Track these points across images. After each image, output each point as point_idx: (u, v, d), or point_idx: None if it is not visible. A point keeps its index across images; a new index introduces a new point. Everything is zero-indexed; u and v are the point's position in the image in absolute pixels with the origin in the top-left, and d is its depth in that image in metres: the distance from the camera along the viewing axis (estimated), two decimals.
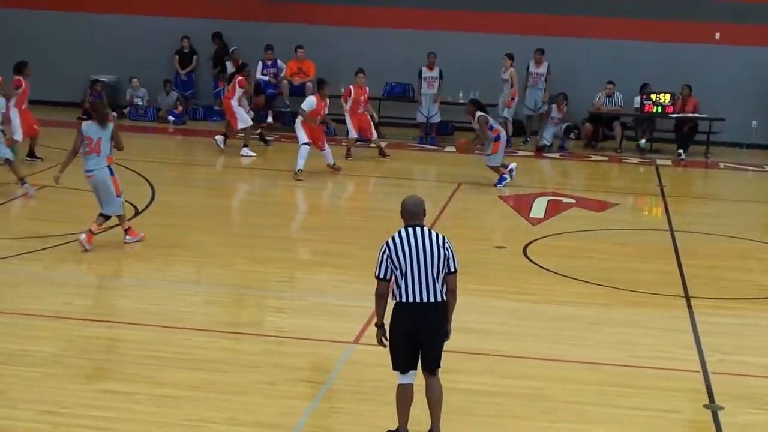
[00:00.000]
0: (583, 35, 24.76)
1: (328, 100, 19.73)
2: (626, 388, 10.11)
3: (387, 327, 8.56)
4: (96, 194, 14.19)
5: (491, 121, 19.27)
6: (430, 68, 23.58)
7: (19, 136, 18.38)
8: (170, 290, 12.74)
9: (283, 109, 24.71)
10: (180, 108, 25.19)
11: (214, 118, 25.22)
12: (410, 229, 8.47)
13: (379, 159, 21.54)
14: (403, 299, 8.37)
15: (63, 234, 14.66)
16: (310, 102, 19.41)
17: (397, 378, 8.53)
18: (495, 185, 19.08)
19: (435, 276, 8.39)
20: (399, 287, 8.38)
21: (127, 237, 14.33)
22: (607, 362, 10.74)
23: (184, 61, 25.65)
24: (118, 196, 14.16)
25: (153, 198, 17.16)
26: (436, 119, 23.86)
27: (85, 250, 13.79)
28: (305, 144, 19.16)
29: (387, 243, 8.43)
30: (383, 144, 22.10)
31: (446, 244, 8.49)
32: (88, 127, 14.05)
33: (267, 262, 14.07)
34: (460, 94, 24.21)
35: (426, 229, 8.51)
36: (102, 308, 12.06)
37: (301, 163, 19.06)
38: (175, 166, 20.44)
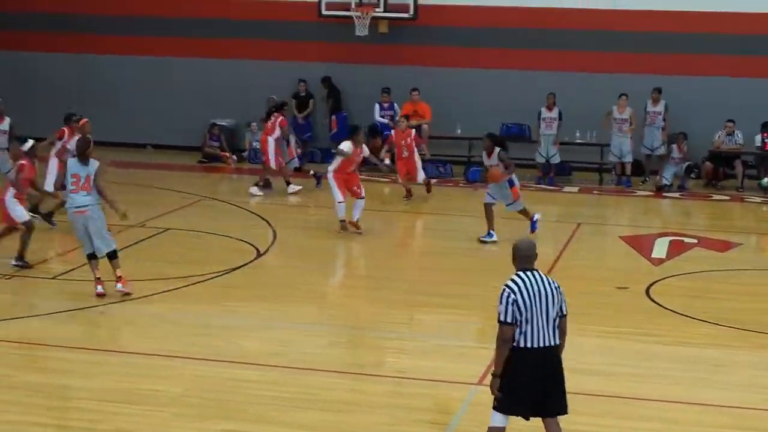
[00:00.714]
0: (700, 73, 24.45)
1: (364, 147, 18.71)
2: None
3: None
4: (82, 232, 13.74)
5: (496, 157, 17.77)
6: (549, 108, 23.50)
7: (50, 187, 18.10)
8: (293, 331, 12.88)
9: None
10: (298, 151, 25.43)
11: (332, 161, 25.42)
12: (528, 273, 8.42)
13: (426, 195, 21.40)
14: (528, 345, 8.30)
15: (185, 276, 14.92)
16: (347, 146, 18.27)
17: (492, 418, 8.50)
18: (532, 231, 17.65)
19: (554, 320, 8.37)
20: (522, 333, 8.29)
21: (119, 285, 13.79)
22: (737, 405, 10.54)
23: (301, 105, 25.95)
24: (109, 232, 13.95)
25: (274, 239, 17.36)
26: (556, 160, 23.74)
27: (129, 293, 13.77)
28: (340, 202, 18.03)
29: (510, 287, 8.34)
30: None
31: (559, 288, 8.48)
32: (73, 165, 13.82)
33: (387, 303, 14.13)
34: (577, 134, 24.09)
35: (541, 273, 8.49)
36: (226, 349, 12.21)
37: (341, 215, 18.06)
38: (295, 207, 20.66)
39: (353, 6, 24.63)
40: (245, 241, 16.90)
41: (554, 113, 23.51)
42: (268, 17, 25.80)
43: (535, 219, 17.93)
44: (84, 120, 17.91)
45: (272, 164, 21.41)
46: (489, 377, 10.70)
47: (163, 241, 17.31)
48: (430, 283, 15.24)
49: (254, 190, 21.32)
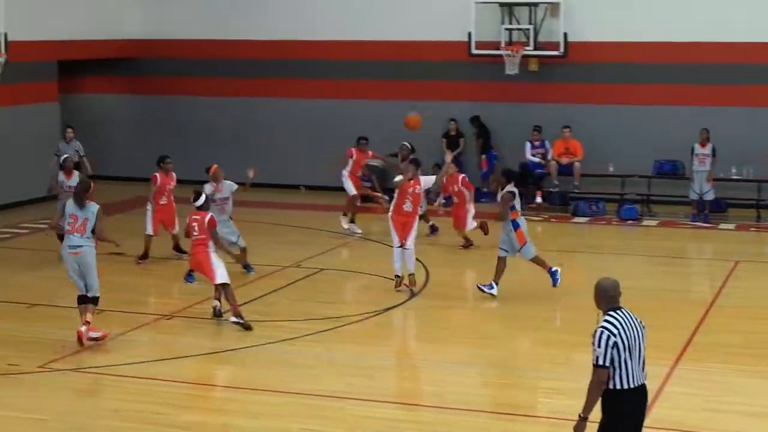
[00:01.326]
0: None
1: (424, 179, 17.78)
2: None
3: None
4: (73, 272, 13.78)
5: (516, 201, 16.36)
6: (702, 145, 23.09)
7: (149, 230, 18.65)
8: (447, 371, 12.89)
9: (551, 189, 24.70)
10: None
11: (483, 200, 25.44)
12: (620, 312, 8.22)
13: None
14: (626, 385, 8.10)
15: (340, 315, 15.08)
16: (428, 180, 17.25)
17: None
18: (554, 285, 16.40)
19: (642, 358, 8.23)
20: (619, 374, 8.08)
21: (83, 328, 13.63)
22: None
23: (452, 144, 26.04)
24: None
25: (427, 279, 17.42)
26: (710, 196, 23.29)
27: (96, 339, 13.70)
28: (398, 247, 16.76)
29: (608, 330, 8.09)
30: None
31: (644, 325, 8.33)
32: (70, 206, 13.78)
33: (544, 342, 14.05)
34: (733, 170, 23.62)
35: (629, 311, 8.30)
36: (383, 389, 12.29)
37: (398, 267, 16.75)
38: (447, 247, 20.68)
39: (503, 45, 24.66)
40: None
41: (707, 149, 23.07)
42: (418, 58, 26.01)
43: (553, 270, 16.49)
44: (215, 167, 18.16)
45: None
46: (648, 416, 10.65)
47: (318, 281, 17.52)
48: (589, 322, 15.05)
49: (347, 222, 21.32)
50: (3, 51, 17.56)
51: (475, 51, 24.83)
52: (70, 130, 21.98)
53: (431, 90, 26.10)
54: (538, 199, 24.47)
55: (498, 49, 24.65)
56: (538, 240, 21.29)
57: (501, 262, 16.31)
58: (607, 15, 24.78)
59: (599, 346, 8.04)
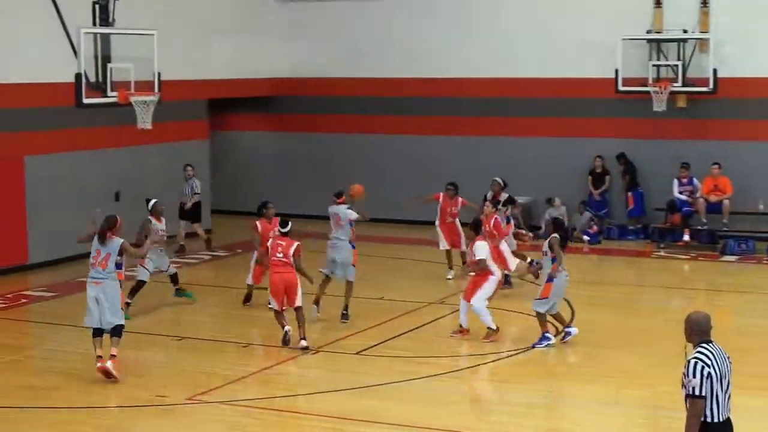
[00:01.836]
0: None
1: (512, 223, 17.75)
2: None
3: None
4: (94, 304, 13.99)
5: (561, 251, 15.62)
6: None
7: (249, 279, 18.51)
8: (589, 409, 12.80)
9: (699, 227, 24.28)
10: (594, 228, 25.35)
11: (629, 237, 25.19)
12: (711, 345, 8.27)
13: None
14: (716, 419, 8.11)
15: (484, 353, 15.08)
16: (480, 247, 16.17)
17: None
18: (533, 345, 15.46)
19: (729, 391, 8.26)
20: (710, 407, 8.10)
21: (109, 363, 13.81)
22: None
23: (597, 181, 25.85)
24: (121, 309, 14.17)
25: (573, 316, 17.28)
26: None
27: (114, 377, 13.77)
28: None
29: (702, 361, 8.13)
30: None
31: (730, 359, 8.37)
32: (95, 242, 14.03)
33: None
34: None
35: (718, 345, 8.35)
36: (526, 426, 12.22)
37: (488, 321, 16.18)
38: (591, 285, 20.50)
39: (651, 81, 24.39)
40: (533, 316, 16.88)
41: None
42: (564, 95, 25.93)
43: (569, 331, 15.71)
44: (357, 187, 18.29)
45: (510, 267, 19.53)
46: None
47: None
48: (743, 363, 14.76)
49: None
50: (156, 90, 18.05)
51: (621, 88, 24.61)
52: (189, 168, 22.39)
53: (577, 126, 25.97)
54: (686, 237, 24.07)
55: (645, 85, 24.39)
56: (685, 279, 21.04)
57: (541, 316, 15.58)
58: (758, 50, 24.34)
59: (695, 377, 8.10)
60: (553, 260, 15.40)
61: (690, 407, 8.13)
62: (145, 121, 18.26)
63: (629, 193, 25.60)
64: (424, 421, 12.26)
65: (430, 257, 22.73)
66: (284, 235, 15.74)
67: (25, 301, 18.62)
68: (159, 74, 18.06)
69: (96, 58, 17.66)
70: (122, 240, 14.07)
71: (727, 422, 8.23)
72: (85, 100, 17.16)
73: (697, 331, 8.33)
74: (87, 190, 22.50)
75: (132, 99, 17.75)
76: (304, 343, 15.27)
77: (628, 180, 25.63)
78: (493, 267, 16.22)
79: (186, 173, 22.52)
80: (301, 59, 28.40)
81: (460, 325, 16.20)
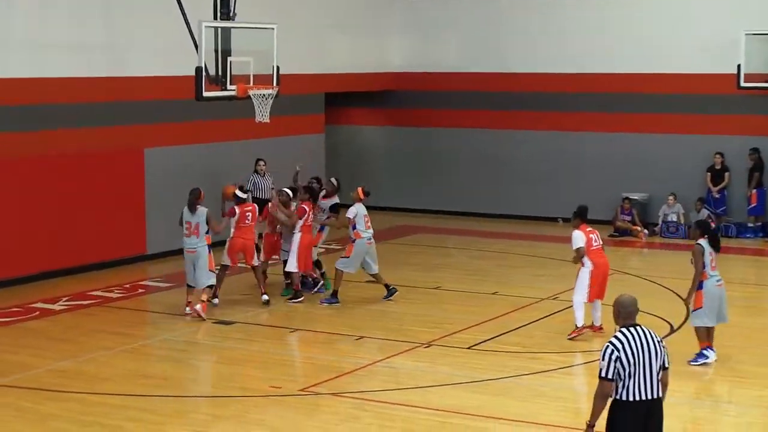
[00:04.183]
0: None
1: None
2: None
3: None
4: (191, 267, 16.80)
5: (707, 259, 14.24)
6: None
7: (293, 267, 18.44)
8: (709, 408, 12.61)
9: None
10: (712, 225, 24.89)
11: (747, 235, 24.72)
12: (632, 329, 8.54)
13: None
14: (630, 398, 8.45)
15: (598, 349, 14.89)
16: (576, 236, 16.09)
17: None
18: (689, 362, 14.30)
19: (657, 373, 8.48)
20: (625, 387, 8.43)
21: (198, 306, 16.64)
22: None
23: (716, 178, 25.41)
24: (211, 270, 16.83)
25: (688, 315, 17.01)
26: None
27: (202, 318, 16.51)
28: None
29: (613, 344, 8.48)
30: None
31: (662, 342, 8.59)
32: (186, 213, 16.88)
33: None
34: None
35: (645, 327, 8.58)
36: None
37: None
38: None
39: None
40: (658, 316, 16.67)
41: None
42: (684, 91, 25.51)
43: (706, 351, 14.42)
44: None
45: None
46: None
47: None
48: None
49: None
50: (275, 84, 18.21)
51: (743, 84, 24.10)
52: (262, 162, 22.17)
53: (696, 123, 25.56)
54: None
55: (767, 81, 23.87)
56: None
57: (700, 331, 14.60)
58: None
59: (602, 359, 8.51)
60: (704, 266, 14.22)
61: (597, 387, 8.53)
62: (263, 114, 18.42)
63: (753, 191, 25.07)
64: (533, 417, 12.20)
65: (546, 253, 22.63)
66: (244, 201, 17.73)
67: (142, 290, 18.97)
68: (278, 68, 18.21)
69: (216, 51, 17.86)
70: (206, 209, 16.86)
71: (650, 403, 8.49)
72: (205, 93, 17.35)
73: (621, 313, 8.66)
74: (204, 182, 22.81)
75: (251, 92, 17.91)
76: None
77: (757, 177, 25.04)
78: (586, 258, 15.93)
79: (259, 168, 22.23)
80: (417, 54, 28.44)
81: (592, 323, 16.04)
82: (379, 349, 15.31)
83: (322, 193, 19.13)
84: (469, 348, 15.26)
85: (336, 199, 19.11)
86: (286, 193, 18.33)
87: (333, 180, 19.56)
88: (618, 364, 8.44)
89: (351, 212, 17.85)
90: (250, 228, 17.85)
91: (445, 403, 12.76)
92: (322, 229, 19.08)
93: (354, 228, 17.84)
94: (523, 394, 13.19)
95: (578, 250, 15.84)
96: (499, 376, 13.82)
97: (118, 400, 12.82)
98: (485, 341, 15.55)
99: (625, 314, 8.66)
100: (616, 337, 8.55)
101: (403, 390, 13.35)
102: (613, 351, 8.47)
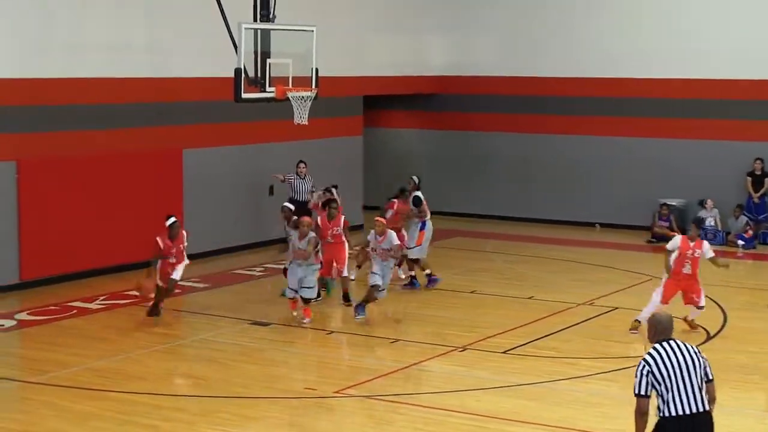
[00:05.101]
0: None
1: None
2: None
3: None
4: (297, 278, 16.73)
5: None
6: None
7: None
8: (746, 418, 12.44)
9: None
10: (750, 232, 24.70)
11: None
12: (665, 344, 8.41)
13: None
14: (673, 413, 8.29)
15: (636, 355, 14.80)
16: (674, 243, 16.22)
17: None
18: None
19: (699, 385, 8.28)
20: (666, 402, 8.28)
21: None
22: None
23: (757, 184, 25.18)
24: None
25: (725, 322, 16.89)
26: None
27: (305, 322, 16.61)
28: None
29: (646, 360, 8.37)
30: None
31: (701, 353, 8.41)
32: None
33: None
34: None
35: (679, 341, 8.43)
36: None
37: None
38: (746, 290, 20.00)
39: None
40: (694, 323, 16.54)
41: None
42: (723, 96, 25.30)
43: None
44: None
45: None
46: None
47: (613, 319, 17.27)
48: None
49: None
50: (313, 86, 18.19)
51: None
52: (303, 165, 22.00)
53: (737, 129, 25.36)
54: None
55: None
56: None
57: None
58: None
59: (635, 376, 8.39)
60: None
61: (635, 405, 8.39)
62: (301, 116, 18.41)
63: None
64: (568, 423, 12.11)
65: (582, 258, 22.52)
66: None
67: (178, 291, 18.99)
68: (317, 70, 18.19)
69: (255, 53, 17.85)
70: (314, 235, 16.94)
71: (694, 417, 8.29)
72: (244, 95, 17.35)
73: (657, 331, 8.54)
74: (242, 183, 22.91)
75: (289, 94, 17.91)
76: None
77: None
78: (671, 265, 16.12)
79: (299, 170, 22.14)
80: (458, 56, 28.35)
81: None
82: (414, 352, 15.24)
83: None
84: (504, 352, 15.18)
85: (415, 193, 19.73)
86: (288, 208, 18.14)
87: (414, 177, 20.15)
88: (651, 378, 8.33)
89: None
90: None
91: (480, 408, 12.69)
92: (423, 227, 19.46)
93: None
94: (559, 400, 13.08)
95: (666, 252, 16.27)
96: (534, 381, 13.74)
97: (154, 400, 12.84)
98: (521, 346, 15.46)
99: (661, 330, 8.53)
100: (649, 353, 8.45)
101: (438, 394, 13.29)
102: (644, 366, 8.38)
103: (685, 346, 8.46)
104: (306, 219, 17.21)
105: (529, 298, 18.83)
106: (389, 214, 18.98)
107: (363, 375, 13.99)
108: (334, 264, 17.98)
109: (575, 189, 27.01)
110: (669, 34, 25.87)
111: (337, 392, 13.20)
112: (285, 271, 17.62)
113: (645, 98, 26.20)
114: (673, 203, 25.59)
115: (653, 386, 8.34)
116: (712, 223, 25.07)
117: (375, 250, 17.07)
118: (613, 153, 26.59)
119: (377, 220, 17.35)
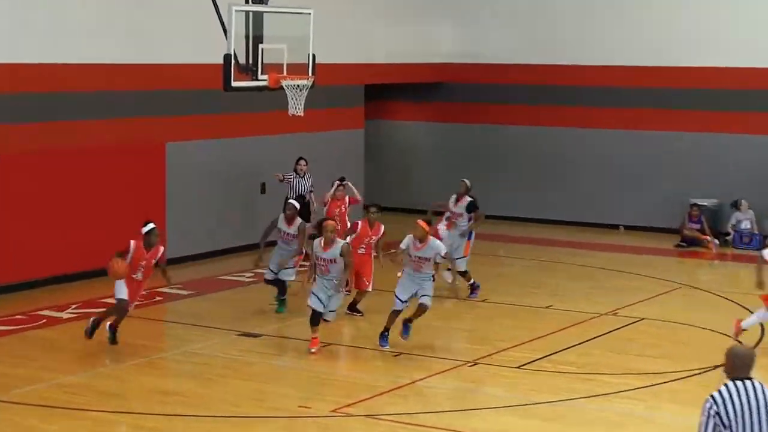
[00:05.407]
0: None
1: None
2: None
3: None
4: (325, 294, 15.39)
5: None
6: None
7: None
8: None
9: None
10: None
11: None
12: (739, 383, 7.98)
13: None
14: None
15: (661, 371, 14.70)
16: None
17: None
18: None
19: None
20: None
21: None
22: None
23: None
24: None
25: (762, 334, 16.76)
26: None
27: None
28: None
29: (714, 398, 7.95)
30: None
31: None
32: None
33: None
34: None
35: (757, 383, 7.99)
36: None
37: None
38: None
39: None
40: (729, 336, 16.40)
41: None
42: (760, 87, 25.20)
43: None
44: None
45: None
46: None
47: (637, 331, 17.17)
48: None
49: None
50: (310, 74, 18.09)
51: None
52: (303, 162, 21.77)
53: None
54: None
55: None
56: None
57: None
58: None
59: (701, 415, 8.04)
60: None
61: None
62: (297, 107, 18.33)
63: None
64: None
65: (605, 263, 22.40)
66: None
67: (160, 298, 18.86)
68: (314, 56, 18.10)
69: (246, 37, 17.76)
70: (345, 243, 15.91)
71: None
72: (234, 83, 17.26)
73: (735, 365, 8.16)
74: (231, 180, 22.77)
75: (283, 83, 17.84)
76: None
77: None
78: None
79: (299, 168, 22.17)
80: (468, 42, 28.25)
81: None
82: (419, 367, 15.13)
83: (452, 197, 19.79)
84: (518, 367, 15.07)
85: (468, 199, 19.66)
86: (293, 205, 18.01)
87: (465, 180, 19.99)
88: (717, 420, 7.97)
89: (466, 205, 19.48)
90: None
91: (491, 429, 12.57)
92: (470, 236, 19.57)
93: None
94: (579, 420, 12.98)
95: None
96: (552, 399, 13.60)
97: (133, 419, 12.70)
98: (537, 360, 15.35)
99: (740, 365, 8.16)
100: (719, 390, 8.10)
101: (445, 413, 13.16)
102: (711, 405, 8.00)
103: (762, 387, 8.09)
104: (331, 223, 15.68)
105: (547, 307, 18.74)
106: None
107: (362, 392, 13.84)
108: (363, 277, 17.64)
109: (597, 188, 26.89)
110: (707, 20, 25.70)
111: (333, 411, 13.06)
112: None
113: (674, 88, 26.09)
114: (705, 203, 25.46)
115: (719, 429, 7.98)
116: (748, 226, 24.95)
117: (410, 257, 15.97)
118: (640, 148, 26.49)
119: (418, 223, 15.87)
